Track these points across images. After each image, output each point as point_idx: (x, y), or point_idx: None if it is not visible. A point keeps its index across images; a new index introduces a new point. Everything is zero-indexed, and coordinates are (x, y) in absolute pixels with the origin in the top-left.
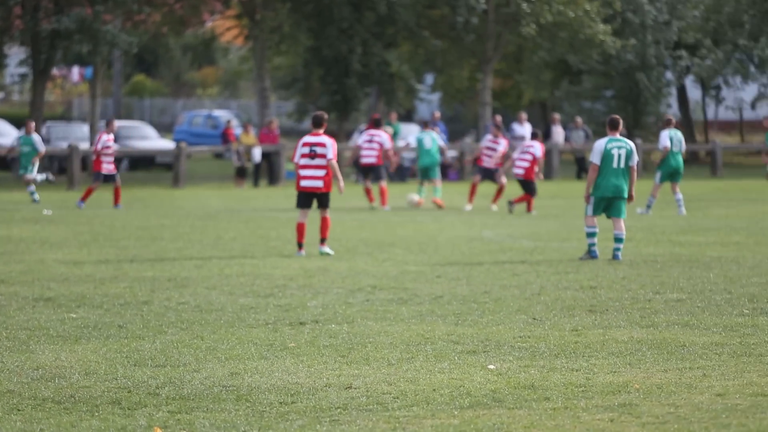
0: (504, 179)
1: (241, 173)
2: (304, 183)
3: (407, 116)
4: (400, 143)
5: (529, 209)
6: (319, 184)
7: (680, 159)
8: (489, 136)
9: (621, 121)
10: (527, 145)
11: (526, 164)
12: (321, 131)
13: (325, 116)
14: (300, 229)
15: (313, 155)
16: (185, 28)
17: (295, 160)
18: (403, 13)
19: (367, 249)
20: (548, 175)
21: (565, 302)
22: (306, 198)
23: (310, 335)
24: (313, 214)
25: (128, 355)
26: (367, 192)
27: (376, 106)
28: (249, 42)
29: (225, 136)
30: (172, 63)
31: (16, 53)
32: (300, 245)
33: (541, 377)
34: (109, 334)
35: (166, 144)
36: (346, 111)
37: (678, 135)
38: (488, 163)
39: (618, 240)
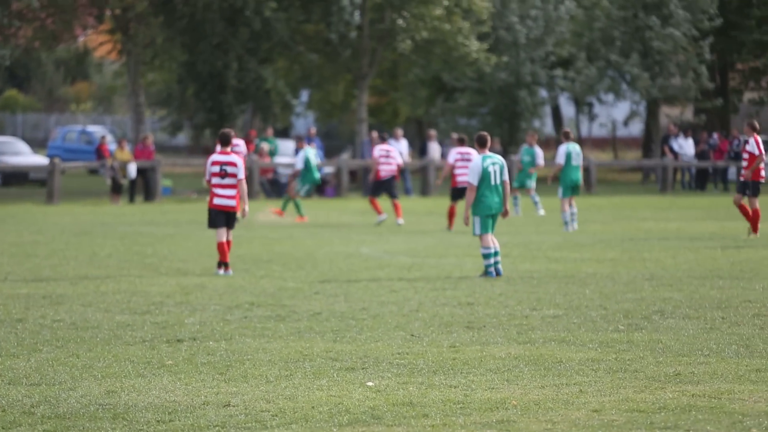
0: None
1: (116, 189)
2: (217, 201)
3: (284, 132)
4: (279, 159)
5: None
6: (232, 203)
7: (579, 173)
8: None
9: (489, 138)
10: (465, 152)
11: None
12: (229, 149)
13: (232, 134)
14: (221, 248)
15: (223, 174)
16: (57, 42)
17: (206, 179)
18: (279, 28)
19: (244, 265)
20: (424, 191)
21: (443, 319)
22: (219, 216)
23: (188, 353)
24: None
25: (2, 374)
26: None
27: (252, 122)
28: (122, 57)
29: (99, 152)
30: (45, 78)
31: None
32: (226, 265)
33: (419, 394)
34: None
35: (40, 160)
36: (221, 127)
37: (576, 149)
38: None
39: (495, 254)
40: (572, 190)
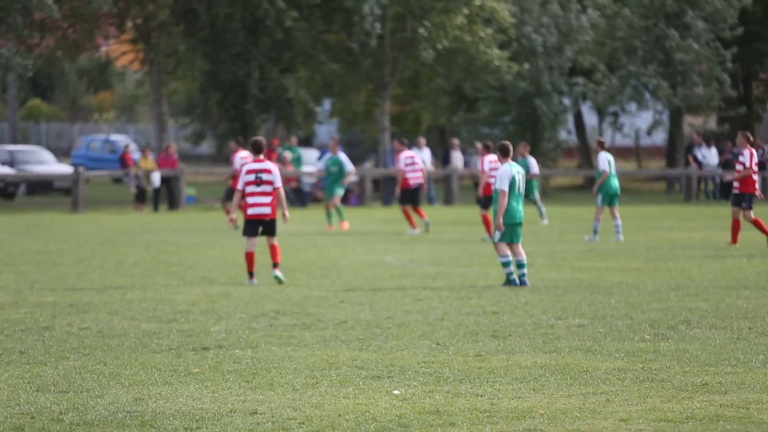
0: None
1: (140, 198)
2: (252, 210)
3: (306, 141)
4: (303, 168)
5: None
6: (267, 210)
7: (617, 182)
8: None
9: (511, 147)
10: (495, 159)
11: None
12: (262, 157)
13: (264, 142)
14: (249, 258)
15: (259, 182)
16: (79, 52)
17: (239, 187)
18: (300, 38)
19: (269, 274)
20: (448, 200)
21: (469, 327)
22: (253, 225)
23: (214, 360)
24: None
25: (30, 381)
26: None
27: (274, 131)
28: (145, 66)
29: (123, 161)
30: (68, 87)
31: None
32: (251, 274)
33: (446, 402)
34: (10, 360)
35: (64, 168)
36: (245, 137)
37: (612, 158)
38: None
39: (521, 266)
40: (611, 199)
